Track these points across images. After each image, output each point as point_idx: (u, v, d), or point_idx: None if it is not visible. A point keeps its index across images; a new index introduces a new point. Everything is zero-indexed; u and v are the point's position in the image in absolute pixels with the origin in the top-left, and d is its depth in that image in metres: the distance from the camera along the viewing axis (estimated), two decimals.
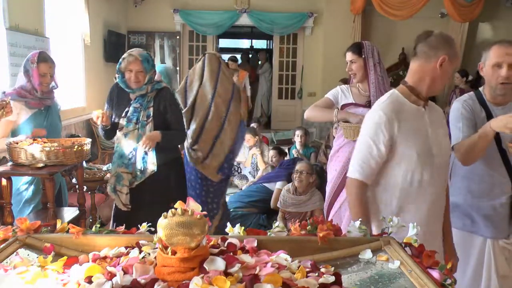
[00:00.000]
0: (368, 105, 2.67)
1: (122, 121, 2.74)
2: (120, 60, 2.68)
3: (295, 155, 5.26)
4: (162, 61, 8.14)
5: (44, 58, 2.87)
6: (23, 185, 2.88)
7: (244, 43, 13.32)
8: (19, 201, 2.86)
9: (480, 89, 2.16)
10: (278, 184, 4.18)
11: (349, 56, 2.70)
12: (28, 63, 2.84)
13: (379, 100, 1.84)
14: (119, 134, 2.80)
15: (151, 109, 2.73)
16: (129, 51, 2.72)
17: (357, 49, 2.69)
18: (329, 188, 2.83)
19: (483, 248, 2.16)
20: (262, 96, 9.79)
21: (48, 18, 4.96)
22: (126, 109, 2.73)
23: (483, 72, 2.08)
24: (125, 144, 2.76)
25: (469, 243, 2.18)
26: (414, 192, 1.76)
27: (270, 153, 5.30)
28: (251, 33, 10.79)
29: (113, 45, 6.94)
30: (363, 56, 2.65)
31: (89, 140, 2.88)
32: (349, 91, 2.78)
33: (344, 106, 2.73)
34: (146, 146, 2.67)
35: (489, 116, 2.06)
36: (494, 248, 2.13)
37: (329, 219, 2.61)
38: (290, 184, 3.89)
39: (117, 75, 2.71)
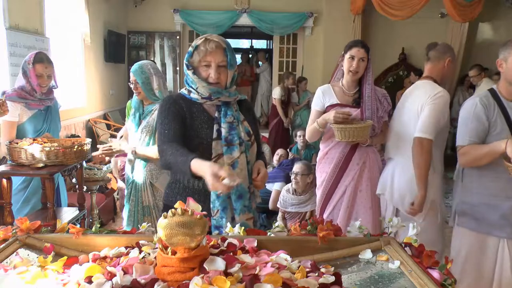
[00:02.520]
0: (356, 105, 2.62)
1: (217, 147, 1.77)
2: (190, 49, 1.78)
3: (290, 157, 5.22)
4: (162, 61, 8.14)
5: (40, 59, 2.86)
6: (20, 185, 2.88)
7: (244, 43, 13.31)
8: (17, 201, 2.86)
9: (494, 86, 2.18)
10: (276, 186, 4.17)
11: (362, 53, 2.55)
12: (25, 64, 2.84)
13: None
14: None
15: (246, 123, 1.88)
16: (204, 36, 1.80)
17: (367, 47, 2.59)
18: (320, 191, 2.77)
19: (496, 249, 2.13)
20: (262, 96, 9.79)
21: (48, 18, 4.95)
22: (216, 127, 1.78)
23: (502, 68, 2.09)
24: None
25: (483, 244, 2.15)
26: None
27: (278, 151, 5.27)
28: (251, 33, 10.78)
29: (113, 45, 6.94)
30: (369, 56, 2.59)
31: (89, 140, 2.89)
32: (331, 90, 2.68)
33: (329, 107, 2.64)
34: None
35: (504, 112, 2.07)
36: (509, 249, 2.10)
37: None
38: (290, 184, 3.89)
39: (188, 72, 1.79)
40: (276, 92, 6.71)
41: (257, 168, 1.86)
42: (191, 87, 1.79)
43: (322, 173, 2.76)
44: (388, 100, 2.73)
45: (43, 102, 2.93)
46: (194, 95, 1.79)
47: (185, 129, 1.77)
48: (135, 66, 2.70)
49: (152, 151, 2.54)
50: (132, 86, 2.69)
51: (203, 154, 1.71)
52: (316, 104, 2.72)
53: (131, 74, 2.70)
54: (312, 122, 2.68)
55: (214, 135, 1.77)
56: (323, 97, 2.69)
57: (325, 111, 2.66)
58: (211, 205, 1.76)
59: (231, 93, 1.81)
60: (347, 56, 2.59)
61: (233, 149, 1.77)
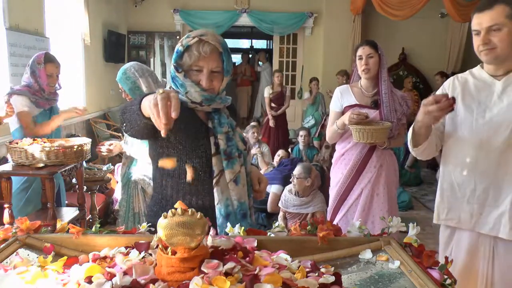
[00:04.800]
0: (374, 106, 2.61)
1: (218, 163, 1.56)
2: (180, 49, 1.51)
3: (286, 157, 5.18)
4: (162, 61, 8.14)
5: (50, 59, 2.91)
6: (22, 184, 2.89)
7: (244, 43, 13.31)
8: (20, 200, 2.86)
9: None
10: (273, 188, 4.10)
11: (367, 50, 2.59)
12: (35, 64, 2.86)
13: None
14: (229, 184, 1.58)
15: (239, 129, 1.70)
16: (195, 32, 1.52)
17: (373, 44, 2.62)
18: (334, 192, 2.75)
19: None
20: (262, 96, 9.78)
21: (48, 18, 4.96)
22: (213, 140, 1.56)
23: None
24: (239, 195, 1.60)
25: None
26: None
27: (279, 152, 5.27)
28: (251, 33, 10.79)
29: (113, 45, 6.94)
30: (379, 52, 2.59)
31: (89, 140, 2.89)
32: (349, 90, 2.68)
33: (347, 108, 2.63)
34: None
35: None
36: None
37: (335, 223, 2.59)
38: (292, 185, 3.88)
39: (178, 75, 1.53)
40: (266, 91, 6.76)
41: (257, 178, 1.72)
42: (179, 89, 1.54)
43: (338, 174, 2.74)
44: (408, 103, 2.70)
45: (50, 102, 2.96)
46: (182, 97, 1.51)
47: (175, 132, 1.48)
48: (118, 74, 2.49)
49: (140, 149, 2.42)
50: (122, 95, 2.56)
51: (203, 170, 1.54)
52: (335, 105, 2.72)
53: (118, 83, 2.51)
54: (332, 124, 2.69)
55: (213, 149, 1.54)
56: (341, 97, 2.69)
57: (343, 112, 2.66)
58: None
59: (223, 99, 1.59)
60: (357, 58, 2.64)
61: (233, 162, 1.57)
